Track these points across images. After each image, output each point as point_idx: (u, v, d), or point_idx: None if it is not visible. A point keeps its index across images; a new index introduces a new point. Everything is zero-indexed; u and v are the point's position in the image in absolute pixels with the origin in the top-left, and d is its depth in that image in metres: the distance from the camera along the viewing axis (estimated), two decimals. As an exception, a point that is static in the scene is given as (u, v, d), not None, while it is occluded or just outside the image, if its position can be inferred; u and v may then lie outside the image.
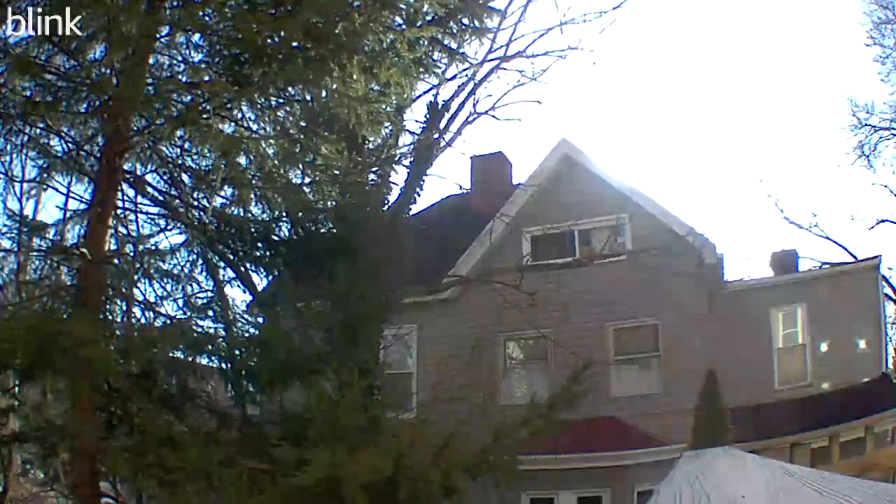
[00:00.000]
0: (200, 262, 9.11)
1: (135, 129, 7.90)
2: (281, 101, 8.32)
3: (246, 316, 9.69)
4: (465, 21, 9.85)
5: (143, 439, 6.79)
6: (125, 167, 8.27)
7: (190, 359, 8.29)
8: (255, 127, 8.37)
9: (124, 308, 8.66)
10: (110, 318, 8.30)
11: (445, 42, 9.86)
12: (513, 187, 17.86)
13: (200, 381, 8.42)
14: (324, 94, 7.94)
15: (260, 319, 9.88)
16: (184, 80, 8.04)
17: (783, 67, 46.19)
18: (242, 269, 9.46)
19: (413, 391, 14.73)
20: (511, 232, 15.58)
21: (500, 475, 7.17)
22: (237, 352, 8.42)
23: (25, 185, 9.09)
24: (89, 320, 6.96)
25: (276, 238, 9.32)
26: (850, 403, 14.70)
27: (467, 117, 11.49)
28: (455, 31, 9.77)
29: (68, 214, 8.68)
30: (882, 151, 24.82)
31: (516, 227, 15.51)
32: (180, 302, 8.91)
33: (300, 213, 9.05)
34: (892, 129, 24.44)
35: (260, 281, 9.68)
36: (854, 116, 24.75)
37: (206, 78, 7.86)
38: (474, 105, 11.48)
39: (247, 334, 8.98)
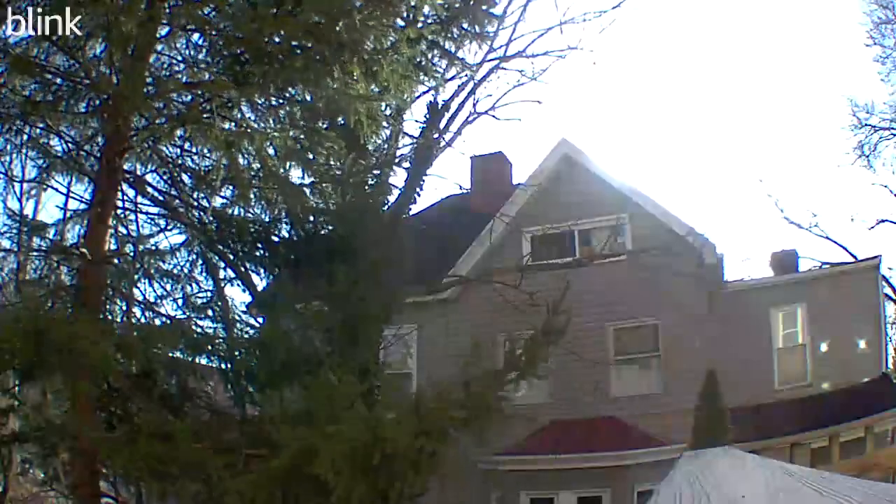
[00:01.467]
0: (200, 262, 9.12)
1: (135, 129, 7.90)
2: (281, 100, 8.32)
3: (245, 316, 9.69)
4: (466, 26, 9.85)
5: (138, 431, 6.77)
6: (125, 167, 8.27)
7: (190, 359, 8.29)
8: (255, 126, 8.37)
9: (124, 308, 8.67)
10: (110, 318, 8.31)
11: (444, 45, 9.86)
12: (513, 187, 17.84)
13: (200, 381, 8.42)
14: (324, 94, 7.93)
15: (259, 320, 9.88)
16: (184, 79, 8.04)
17: (783, 67, 46.25)
18: (242, 269, 9.46)
19: (413, 391, 14.71)
20: (511, 232, 15.57)
21: (485, 425, 6.97)
22: (237, 352, 8.42)
23: (25, 185, 9.07)
24: (88, 320, 6.95)
25: (275, 238, 9.32)
26: (850, 403, 14.69)
27: (467, 117, 11.50)
28: (455, 35, 9.77)
29: (68, 214, 8.69)
30: (882, 151, 24.81)
31: (516, 227, 15.51)
32: (180, 302, 8.92)
33: (300, 213, 9.05)
34: (892, 129, 24.43)
35: (260, 281, 9.69)
36: (854, 116, 24.75)
37: (207, 77, 7.86)
38: (474, 105, 11.50)
39: (246, 335, 8.98)
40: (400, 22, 8.53)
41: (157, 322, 8.58)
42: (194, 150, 8.55)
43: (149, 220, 8.95)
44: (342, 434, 6.38)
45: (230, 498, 6.45)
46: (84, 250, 7.59)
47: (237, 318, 9.22)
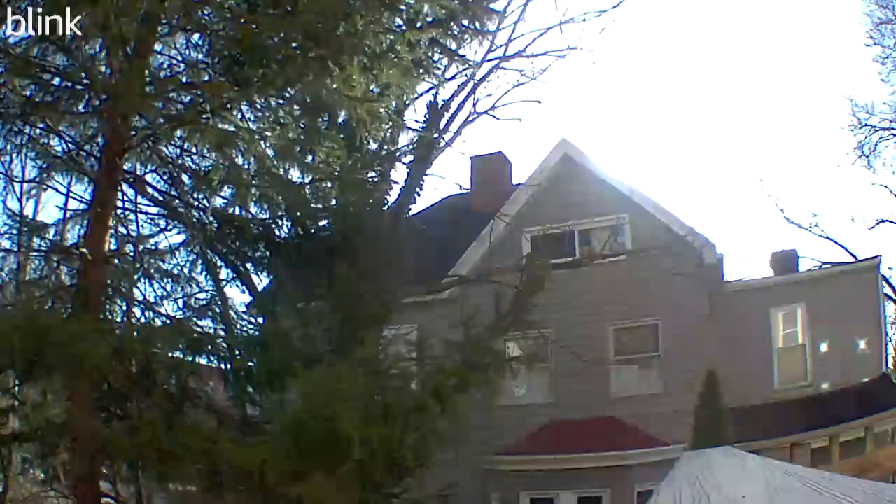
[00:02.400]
0: (200, 262, 9.11)
1: (134, 129, 7.90)
2: (280, 101, 8.31)
3: (245, 316, 9.68)
4: (466, 23, 9.84)
5: (141, 423, 6.77)
6: (125, 167, 8.27)
7: (190, 359, 8.28)
8: (254, 127, 8.36)
9: (124, 308, 8.66)
10: (110, 318, 8.30)
11: (445, 43, 9.85)
12: (513, 187, 17.87)
13: (200, 381, 8.41)
14: (324, 94, 7.92)
15: (259, 320, 9.87)
16: (183, 80, 8.04)
17: (783, 67, 46.25)
18: (242, 269, 9.45)
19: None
20: (511, 232, 15.59)
21: (487, 377, 7.04)
22: (237, 352, 8.41)
23: (25, 185, 9.08)
24: (88, 320, 6.95)
25: (275, 238, 9.31)
26: (850, 403, 14.70)
27: (467, 117, 11.48)
28: (456, 32, 9.76)
29: (68, 214, 8.69)
30: (882, 151, 24.85)
31: (516, 227, 15.52)
32: (180, 302, 8.91)
33: (300, 213, 9.04)
34: (892, 129, 24.44)
35: (260, 281, 9.68)
36: (854, 116, 24.78)
37: (206, 78, 7.86)
38: (474, 105, 11.47)
39: (246, 335, 8.98)
40: (399, 21, 8.52)
41: (157, 322, 8.57)
42: (194, 150, 8.54)
43: (149, 220, 8.95)
44: (353, 386, 6.41)
45: (238, 466, 6.42)
46: (84, 250, 7.59)
47: (237, 318, 9.22)
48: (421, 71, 9.30)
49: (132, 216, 8.75)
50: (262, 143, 8.06)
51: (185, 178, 8.93)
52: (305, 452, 6.44)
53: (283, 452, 6.41)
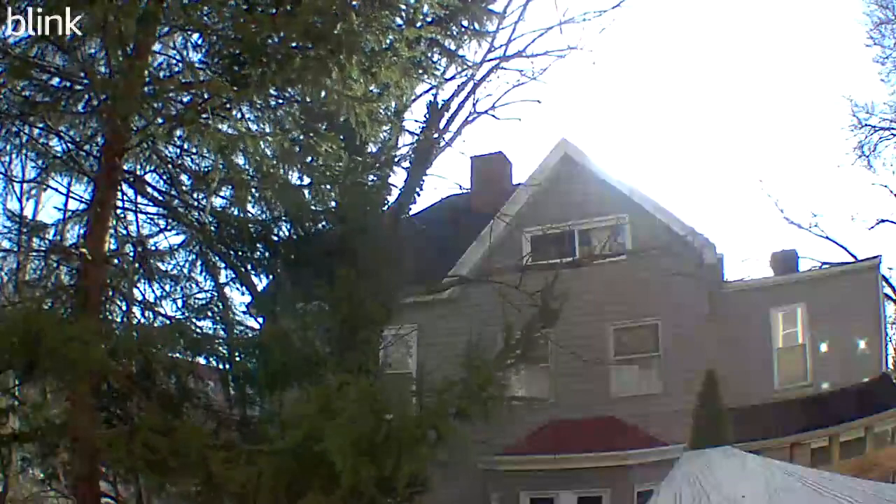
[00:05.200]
0: (200, 262, 9.11)
1: (134, 129, 7.89)
2: (280, 101, 8.31)
3: (245, 317, 9.69)
4: (465, 23, 9.83)
5: (138, 427, 6.76)
6: (125, 167, 8.27)
7: (190, 359, 8.28)
8: (253, 127, 8.36)
9: (124, 308, 8.67)
10: (110, 318, 8.30)
11: (445, 44, 9.84)
12: (513, 187, 17.88)
13: (199, 381, 8.41)
14: (323, 94, 7.92)
15: (259, 320, 9.87)
16: (183, 80, 8.03)
17: (783, 67, 46.23)
18: (242, 269, 9.44)
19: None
20: (511, 232, 15.59)
21: (487, 410, 7.00)
22: (236, 353, 8.41)
23: (25, 185, 9.08)
24: (83, 322, 6.93)
25: (275, 239, 9.31)
26: (850, 403, 14.70)
27: (467, 117, 11.46)
28: (455, 33, 9.76)
29: (68, 214, 8.69)
30: (882, 151, 24.87)
31: (516, 227, 15.52)
32: (180, 302, 8.91)
33: (299, 214, 9.04)
34: (892, 129, 24.45)
35: (259, 282, 9.67)
36: (854, 116, 24.80)
37: (205, 78, 7.85)
38: (474, 105, 11.46)
39: (246, 335, 8.97)
40: (399, 21, 8.52)
41: (157, 322, 8.57)
42: (193, 150, 8.54)
43: (149, 220, 8.95)
44: (347, 415, 6.37)
45: (231, 488, 6.41)
46: (84, 250, 7.59)
47: (237, 318, 9.22)
48: (420, 71, 9.29)
49: (132, 216, 8.76)
50: (261, 143, 8.05)
51: (184, 178, 8.93)
52: (298, 473, 6.43)
53: (276, 472, 6.40)
